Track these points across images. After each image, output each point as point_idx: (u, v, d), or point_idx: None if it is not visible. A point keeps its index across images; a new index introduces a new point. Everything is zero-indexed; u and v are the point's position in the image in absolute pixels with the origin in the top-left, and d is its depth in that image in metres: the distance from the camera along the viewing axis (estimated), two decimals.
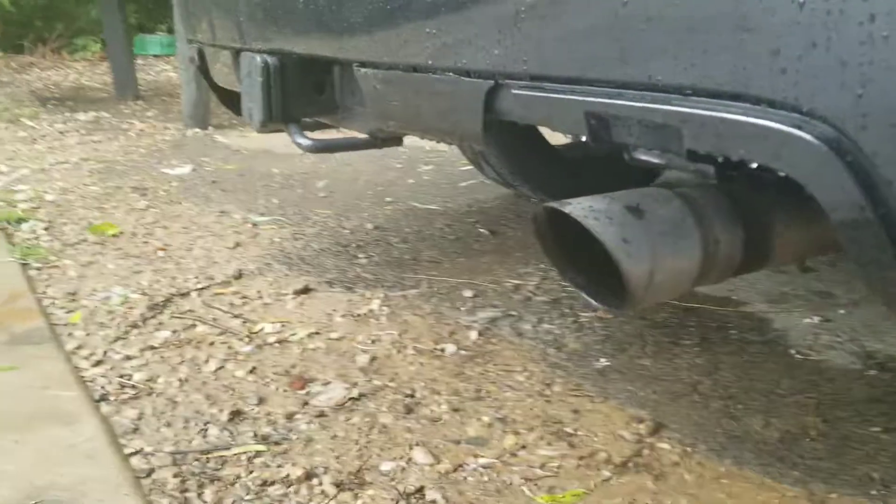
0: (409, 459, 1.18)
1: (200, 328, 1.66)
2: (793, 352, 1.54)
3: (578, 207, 0.76)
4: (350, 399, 1.36)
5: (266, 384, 1.42)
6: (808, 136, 0.57)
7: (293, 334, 1.63)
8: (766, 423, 1.29)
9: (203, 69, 1.88)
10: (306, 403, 1.35)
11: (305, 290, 1.86)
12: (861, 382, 1.43)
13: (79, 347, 1.56)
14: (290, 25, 1.11)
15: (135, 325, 1.67)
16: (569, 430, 1.26)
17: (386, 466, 1.17)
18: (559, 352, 1.54)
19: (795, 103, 0.58)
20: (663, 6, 0.64)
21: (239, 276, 1.97)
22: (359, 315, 1.73)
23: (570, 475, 1.15)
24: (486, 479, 1.14)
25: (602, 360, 1.50)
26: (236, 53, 1.41)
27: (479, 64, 0.81)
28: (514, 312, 1.72)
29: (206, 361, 1.51)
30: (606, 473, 1.15)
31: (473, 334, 1.61)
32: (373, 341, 1.59)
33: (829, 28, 0.56)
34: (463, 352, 1.54)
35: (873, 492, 1.11)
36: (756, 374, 1.44)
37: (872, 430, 1.27)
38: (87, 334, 1.62)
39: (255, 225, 2.44)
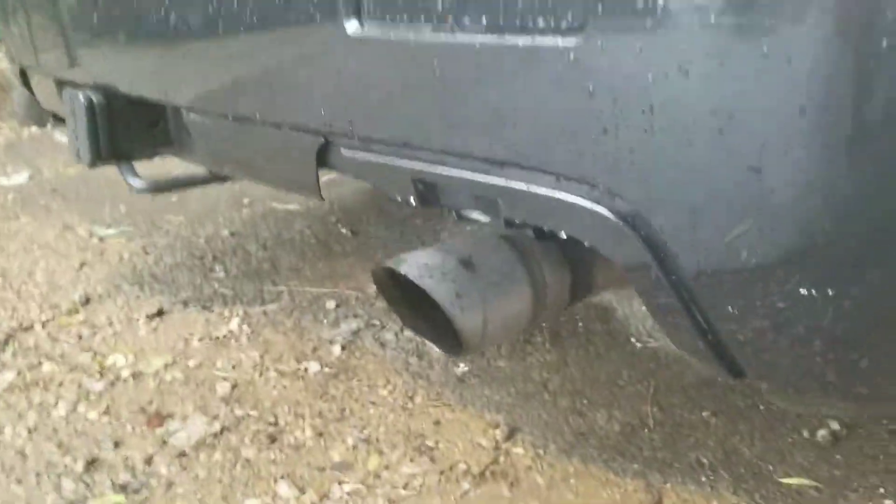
0: (274, 494, 1.20)
1: (47, 367, 1.59)
2: (633, 340, 1.66)
3: (414, 266, 0.79)
4: (211, 434, 1.35)
5: (122, 425, 1.39)
6: (605, 211, 0.63)
7: (148, 366, 1.59)
8: (609, 416, 1.39)
9: (27, 87, 1.77)
10: (165, 443, 1.33)
11: (159, 313, 1.81)
12: (691, 368, 1.56)
13: None
14: (117, 63, 1.07)
15: None
16: (430, 443, 1.32)
17: None
18: (420, 360, 1.58)
19: (593, 182, 0.63)
20: (483, 87, 0.66)
21: (86, 301, 1.89)
22: (217, 338, 1.70)
23: (432, 492, 1.20)
24: None
25: (461, 365, 1.56)
26: (59, 84, 1.34)
27: (309, 123, 0.81)
28: (376, 322, 1.75)
29: (56, 405, 1.45)
30: (466, 486, 1.21)
31: (336, 349, 1.63)
32: (233, 366, 1.58)
33: (616, 116, 0.60)
34: (326, 369, 1.56)
35: (703, 478, 1.23)
36: (600, 366, 1.55)
37: (703, 415, 1.40)
38: None
39: (101, 239, 2.33)
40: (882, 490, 1.22)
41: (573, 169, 0.64)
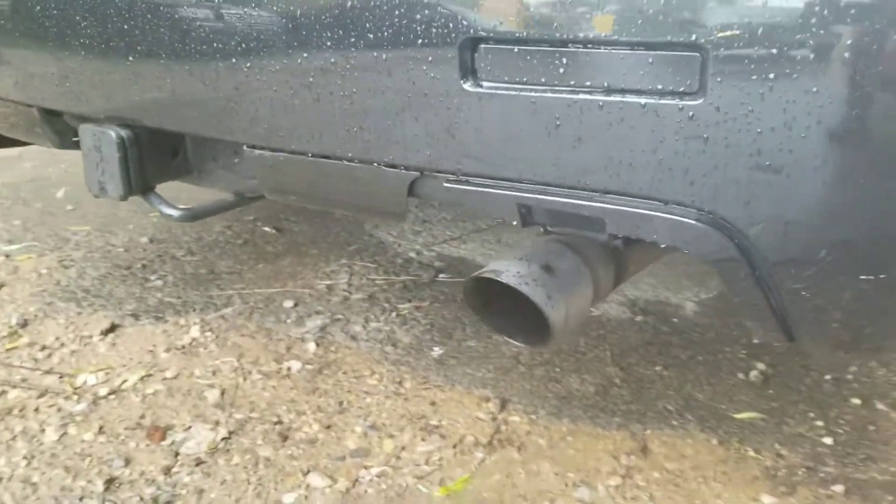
0: (308, 486, 1.27)
1: (13, 393, 1.54)
2: None
3: (512, 276, 0.90)
4: (220, 440, 1.39)
5: (122, 442, 1.39)
6: (709, 228, 0.77)
7: (124, 381, 1.58)
8: (581, 380, 1.57)
9: None
10: (177, 454, 1.36)
11: (112, 329, 1.79)
12: (635, 329, 1.78)
13: None
14: (184, 107, 1.06)
15: None
16: (434, 422, 1.43)
17: (288, 499, 1.25)
18: (396, 348, 1.69)
19: (700, 206, 0.76)
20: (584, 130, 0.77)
21: (24, 323, 1.82)
22: (183, 347, 1.71)
23: (452, 464, 1.32)
24: (384, 486, 1.27)
25: (436, 348, 1.68)
26: (47, 113, 1.30)
27: (407, 161, 0.89)
28: (339, 316, 1.82)
29: (43, 431, 1.43)
30: (480, 455, 1.34)
31: (311, 346, 1.70)
32: (213, 373, 1.61)
33: (727, 158, 0.74)
34: (308, 366, 1.62)
35: (674, 422, 1.43)
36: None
37: (656, 370, 1.61)
38: None
39: (8, 256, 2.22)
40: (811, 414, 1.47)
41: (684, 197, 0.77)
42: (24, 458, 1.35)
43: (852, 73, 0.68)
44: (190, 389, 1.55)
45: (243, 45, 0.92)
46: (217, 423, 1.44)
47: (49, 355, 1.69)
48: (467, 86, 0.79)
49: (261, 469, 1.31)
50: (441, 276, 2.05)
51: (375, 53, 0.84)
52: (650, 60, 0.73)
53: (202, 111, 1.00)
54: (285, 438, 1.39)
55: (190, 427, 1.43)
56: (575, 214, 0.82)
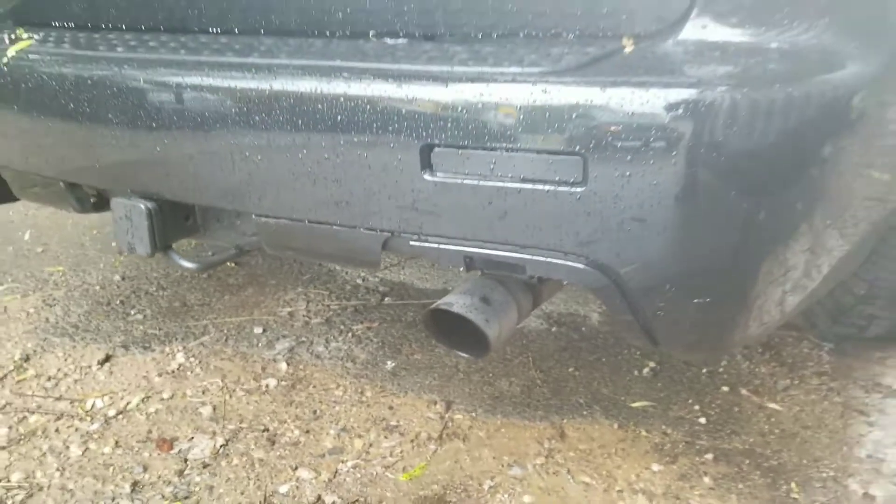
0: (298, 478, 1.60)
1: (33, 418, 1.81)
2: None
3: (461, 307, 1.25)
4: (220, 446, 1.70)
5: (137, 453, 1.69)
6: (592, 269, 1.14)
7: (128, 403, 1.87)
8: (510, 382, 1.94)
9: None
10: (186, 460, 1.66)
11: (107, 359, 2.06)
12: (551, 338, 2.16)
13: None
14: (204, 186, 1.36)
15: None
16: (393, 423, 1.77)
17: (284, 489, 1.57)
18: (355, 364, 2.02)
19: (587, 255, 1.13)
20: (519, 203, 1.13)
21: (27, 358, 2.07)
22: (172, 371, 2.00)
23: (411, 455, 1.67)
24: (359, 475, 1.61)
25: (388, 362, 2.02)
26: (71, 185, 1.60)
27: (382, 225, 1.23)
28: (303, 339, 2.14)
29: (67, 447, 1.70)
30: (433, 447, 1.69)
31: (283, 366, 2.01)
32: (203, 392, 1.91)
33: (603, 224, 1.11)
34: (283, 382, 1.94)
35: (585, 412, 1.82)
36: None
37: (569, 371, 1.99)
38: None
39: None
40: (690, 401, 1.88)
41: (577, 250, 1.13)
42: (57, 469, 1.63)
43: (678, 171, 1.06)
44: (186, 407, 1.85)
45: (256, 143, 1.24)
46: (214, 433, 1.74)
47: (56, 384, 1.96)
48: (426, 175, 1.14)
49: (257, 468, 1.63)
50: (386, 299, 2.39)
51: (359, 151, 1.18)
52: (550, 161, 1.09)
53: (220, 189, 1.32)
54: (273, 442, 1.71)
55: (192, 437, 1.73)
56: (504, 262, 1.17)
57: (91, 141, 1.42)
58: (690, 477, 1.59)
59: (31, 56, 1.51)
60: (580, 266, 1.13)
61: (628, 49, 1.09)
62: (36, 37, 1.56)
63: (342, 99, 1.16)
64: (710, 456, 1.66)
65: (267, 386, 1.92)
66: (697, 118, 1.00)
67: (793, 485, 1.56)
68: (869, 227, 1.35)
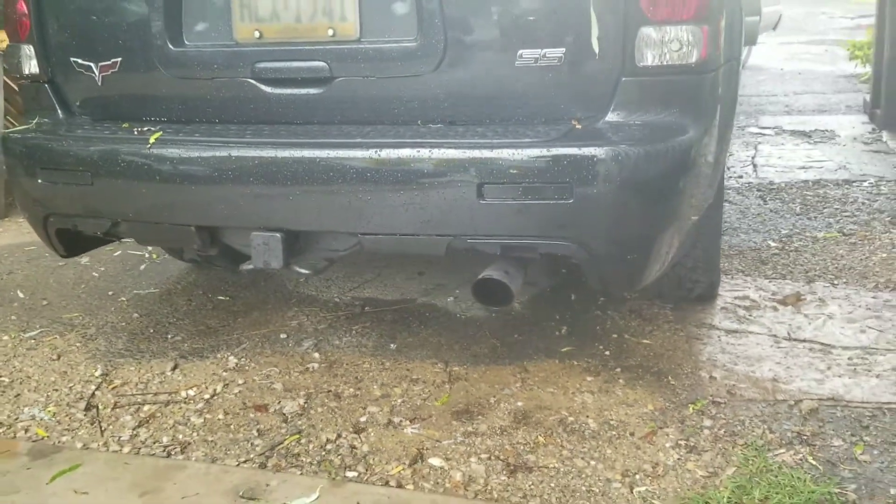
0: (369, 412, 2.38)
1: (146, 408, 2.45)
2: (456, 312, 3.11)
3: (499, 275, 2.14)
4: (302, 404, 2.44)
5: (245, 415, 2.38)
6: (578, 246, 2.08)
7: (215, 390, 2.54)
8: (480, 347, 2.82)
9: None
10: (283, 413, 2.39)
11: (176, 366, 2.71)
12: (495, 319, 3.07)
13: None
14: (321, 216, 2.16)
15: (100, 427, 2.36)
16: (414, 377, 2.59)
17: (363, 418, 2.35)
18: (367, 349, 2.80)
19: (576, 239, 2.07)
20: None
21: (106, 373, 2.67)
22: (233, 368, 2.69)
23: (436, 392, 2.49)
24: (409, 405, 2.41)
25: (392, 345, 2.84)
26: (199, 230, 2.33)
27: (447, 231, 2.12)
28: (321, 338, 2.90)
29: (188, 419, 2.36)
30: (447, 387, 2.52)
31: (316, 355, 2.77)
32: (267, 377, 2.62)
33: (586, 220, 2.06)
34: (322, 364, 2.69)
35: (535, 357, 2.74)
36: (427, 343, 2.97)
37: (515, 337, 2.91)
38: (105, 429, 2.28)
39: (34, 339, 2.98)
40: (596, 344, 2.85)
41: (570, 236, 2.07)
42: (192, 431, 2.30)
43: (612, 189, 2.03)
44: (260, 386, 2.56)
45: (364, 190, 2.07)
46: (293, 397, 2.48)
47: (146, 386, 2.59)
48: (480, 201, 2.03)
49: (337, 411, 2.39)
50: (366, 308, 3.20)
51: (437, 189, 2.04)
52: (552, 187, 2.02)
53: (336, 220, 2.13)
54: (339, 397, 2.48)
55: (279, 402, 2.45)
56: (527, 247, 2.09)
57: (237, 196, 2.18)
58: (611, 381, 2.56)
59: (170, 141, 2.24)
60: (571, 244, 2.07)
61: (578, 126, 2.07)
62: (167, 129, 2.29)
63: (434, 157, 2.03)
64: (619, 370, 2.64)
65: (313, 367, 2.68)
66: (617, 160, 1.99)
67: (669, 378, 2.57)
68: (693, 223, 2.41)
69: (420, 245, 2.14)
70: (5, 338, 2.99)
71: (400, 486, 2.02)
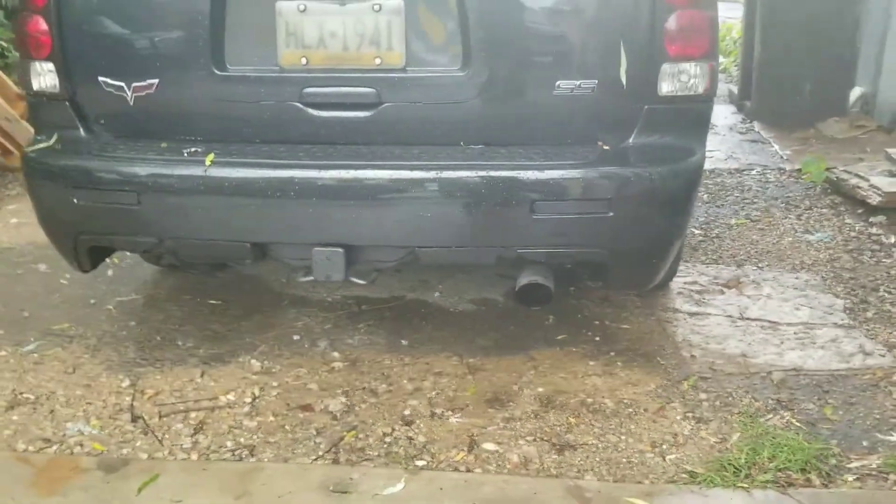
0: (411, 405, 2.60)
1: (193, 414, 2.55)
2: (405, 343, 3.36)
3: (541, 279, 2.41)
4: (344, 400, 2.63)
5: (293, 415, 2.54)
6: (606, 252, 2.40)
7: (253, 394, 2.68)
8: (485, 339, 3.10)
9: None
10: (331, 412, 2.57)
11: (203, 373, 2.81)
12: (488, 314, 3.35)
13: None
14: (379, 232, 2.36)
15: (156, 437, 2.45)
16: (436, 370, 2.82)
17: (406, 411, 2.56)
18: (382, 346, 2.99)
19: (607, 247, 2.40)
20: None
21: (134, 383, 2.73)
22: (259, 372, 2.81)
23: (461, 383, 2.74)
24: (443, 397, 2.65)
25: (403, 341, 3.04)
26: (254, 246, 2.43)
27: (500, 244, 2.36)
28: (332, 337, 3.07)
29: (240, 423, 2.50)
30: (469, 377, 2.78)
31: (336, 354, 2.93)
32: (298, 378, 2.78)
33: (619, 232, 2.37)
34: (346, 363, 2.86)
35: (537, 346, 3.05)
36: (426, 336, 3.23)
37: (511, 329, 3.21)
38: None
39: (35, 353, 2.96)
40: (584, 331, 3.20)
41: (603, 244, 2.38)
42: (250, 432, 2.44)
43: (636, 202, 2.36)
44: (297, 387, 2.72)
45: (420, 207, 2.29)
46: (334, 395, 2.66)
47: (182, 394, 2.68)
48: (532, 216, 2.29)
49: (380, 406, 2.59)
50: (363, 307, 3.39)
51: (490, 205, 2.29)
52: (593, 203, 2.32)
53: (392, 236, 2.33)
54: (375, 393, 2.68)
55: (322, 401, 2.62)
56: (565, 255, 2.38)
57: (299, 214, 2.33)
58: (610, 364, 2.90)
59: (227, 163, 2.35)
60: (605, 252, 2.38)
61: (606, 148, 2.38)
62: (216, 150, 2.40)
63: (492, 178, 2.27)
64: (612, 353, 2.98)
65: (337, 367, 2.86)
66: (650, 178, 2.32)
67: (658, 359, 2.94)
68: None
69: (472, 255, 2.38)
70: (2, 353, 2.95)
71: (468, 470, 2.27)
